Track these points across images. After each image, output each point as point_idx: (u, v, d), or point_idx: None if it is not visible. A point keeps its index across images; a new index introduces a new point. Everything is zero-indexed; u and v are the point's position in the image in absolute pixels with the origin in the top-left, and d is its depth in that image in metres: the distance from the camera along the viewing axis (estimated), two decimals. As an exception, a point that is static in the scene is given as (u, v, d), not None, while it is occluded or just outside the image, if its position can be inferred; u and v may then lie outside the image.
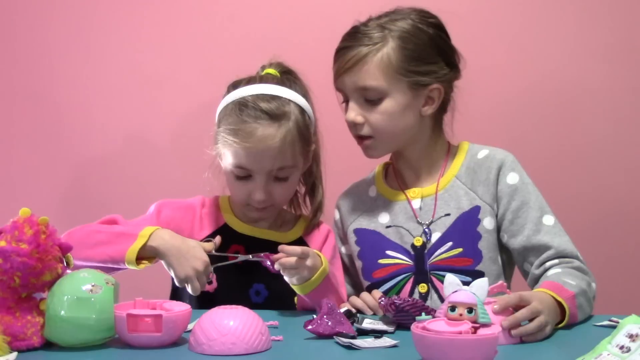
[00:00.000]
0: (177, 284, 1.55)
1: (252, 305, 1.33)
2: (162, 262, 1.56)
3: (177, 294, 1.70)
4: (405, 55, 1.62)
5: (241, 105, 1.63)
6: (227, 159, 1.64)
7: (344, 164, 1.99)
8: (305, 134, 1.66)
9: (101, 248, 1.55)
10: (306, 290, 1.56)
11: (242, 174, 1.65)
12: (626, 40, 2.18)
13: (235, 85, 1.69)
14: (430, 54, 1.66)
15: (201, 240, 1.64)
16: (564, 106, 2.20)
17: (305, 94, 1.70)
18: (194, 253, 1.54)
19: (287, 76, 1.71)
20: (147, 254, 1.55)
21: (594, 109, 2.19)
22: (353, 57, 1.63)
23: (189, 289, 1.54)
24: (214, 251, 1.60)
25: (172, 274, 1.55)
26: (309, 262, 1.53)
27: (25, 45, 2.32)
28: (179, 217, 1.71)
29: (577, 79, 2.19)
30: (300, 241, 1.73)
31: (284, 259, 1.52)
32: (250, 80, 1.68)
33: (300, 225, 1.77)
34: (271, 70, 1.71)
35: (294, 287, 1.57)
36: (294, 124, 1.64)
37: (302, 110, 1.67)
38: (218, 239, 1.64)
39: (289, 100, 1.65)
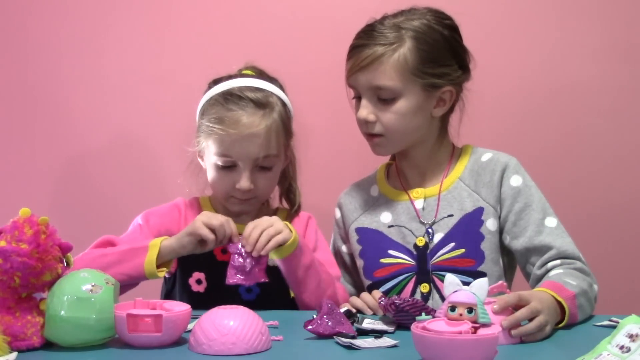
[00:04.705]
0: (201, 231, 1.53)
1: (244, 303, 1.32)
2: (181, 250, 1.55)
3: (169, 296, 1.71)
4: (421, 56, 1.63)
5: (226, 95, 1.67)
6: (211, 150, 1.67)
7: (338, 164, 1.99)
8: (287, 125, 1.72)
9: (114, 269, 1.51)
10: (284, 254, 1.56)
11: (227, 164, 1.66)
12: (626, 40, 2.17)
13: (216, 81, 1.74)
14: (445, 55, 1.66)
15: None
16: (564, 106, 2.19)
17: (283, 90, 1.74)
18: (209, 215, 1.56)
19: (264, 75, 1.75)
20: (164, 259, 1.55)
21: (594, 109, 2.18)
22: (369, 56, 1.63)
23: (207, 239, 1.52)
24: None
25: (200, 231, 1.53)
26: (264, 218, 1.54)
27: (25, 45, 2.32)
28: (167, 221, 1.72)
29: (577, 79, 2.18)
30: None
31: (250, 238, 1.51)
32: (231, 77, 1.73)
33: (279, 216, 1.76)
34: (248, 70, 1.76)
35: (274, 256, 1.56)
36: (278, 114, 1.68)
37: (283, 103, 1.72)
38: None
39: (272, 92, 1.70)
